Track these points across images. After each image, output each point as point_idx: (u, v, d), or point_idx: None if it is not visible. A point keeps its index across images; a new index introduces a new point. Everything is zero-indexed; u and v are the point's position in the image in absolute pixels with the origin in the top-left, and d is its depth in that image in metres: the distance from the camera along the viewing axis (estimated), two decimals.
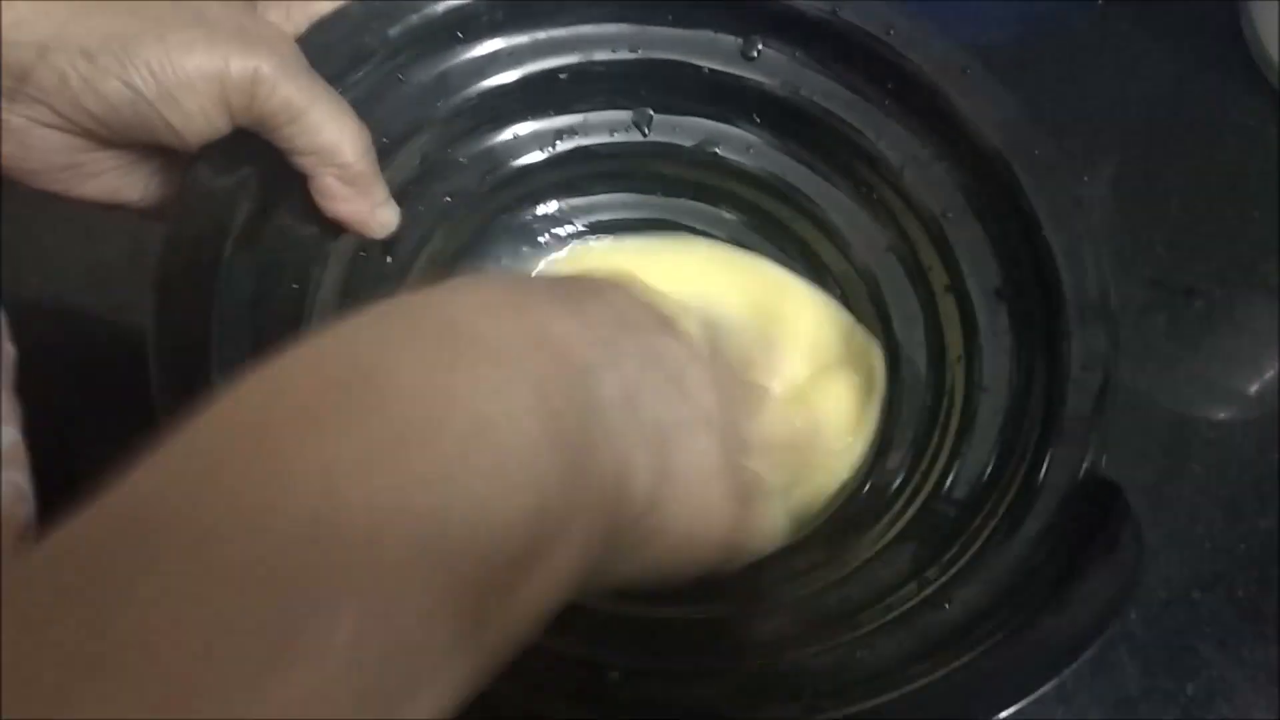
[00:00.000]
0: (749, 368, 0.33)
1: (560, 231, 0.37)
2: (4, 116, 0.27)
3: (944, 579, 0.26)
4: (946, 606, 0.25)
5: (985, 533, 0.27)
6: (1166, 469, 0.36)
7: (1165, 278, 0.41)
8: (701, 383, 0.25)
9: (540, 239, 0.37)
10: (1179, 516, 0.35)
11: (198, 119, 0.28)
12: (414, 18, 0.32)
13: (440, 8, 0.33)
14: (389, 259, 0.33)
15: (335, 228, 0.31)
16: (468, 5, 0.33)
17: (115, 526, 0.16)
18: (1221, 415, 0.38)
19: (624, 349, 0.23)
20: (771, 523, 0.29)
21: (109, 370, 0.33)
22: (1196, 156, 0.45)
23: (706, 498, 0.24)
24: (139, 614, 0.14)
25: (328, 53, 0.31)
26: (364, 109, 0.32)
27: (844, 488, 0.33)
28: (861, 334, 0.36)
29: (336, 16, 0.32)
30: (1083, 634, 0.23)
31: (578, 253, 0.37)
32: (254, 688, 0.14)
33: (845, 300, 0.36)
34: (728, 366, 0.27)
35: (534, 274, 0.36)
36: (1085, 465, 0.26)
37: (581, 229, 0.38)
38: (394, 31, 0.32)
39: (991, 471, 0.29)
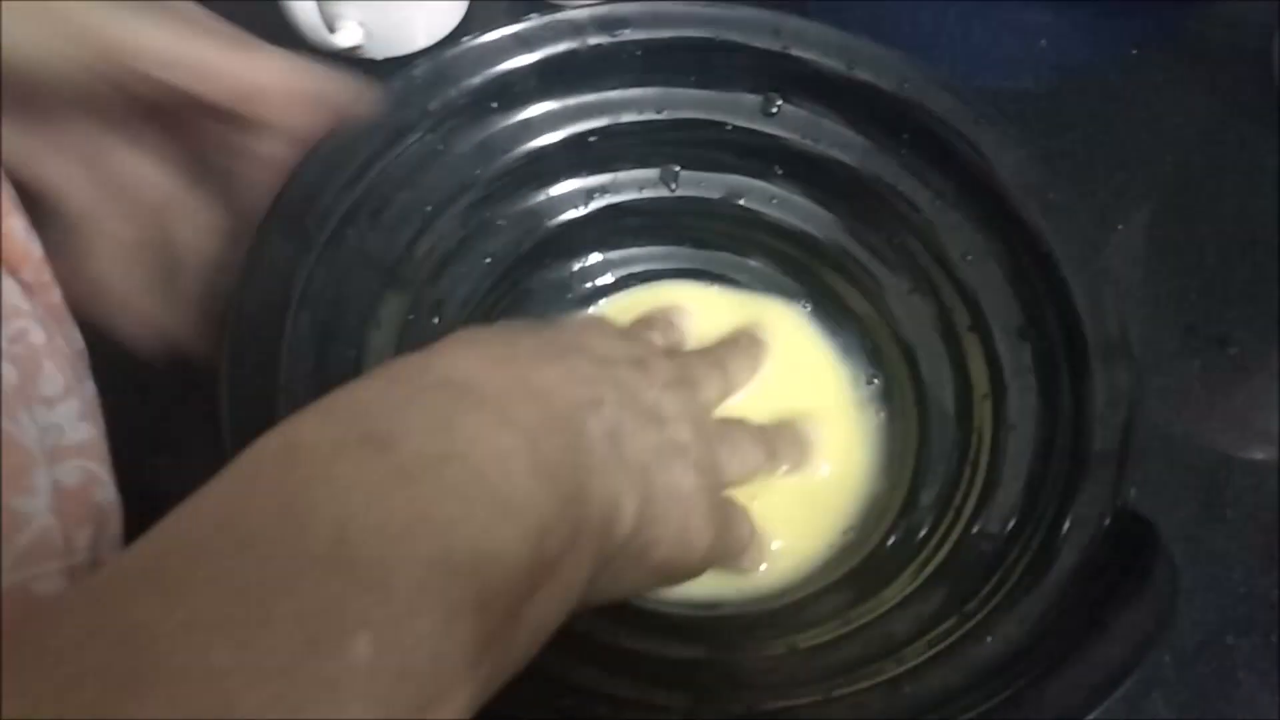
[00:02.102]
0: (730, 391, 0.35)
1: (595, 284, 0.39)
2: None
3: (984, 613, 0.27)
4: (988, 640, 0.26)
5: (1021, 567, 0.28)
6: (1201, 514, 0.37)
7: (1199, 324, 0.42)
8: (674, 412, 0.28)
9: (578, 292, 0.38)
10: (1213, 561, 0.36)
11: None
12: (452, 91, 0.34)
13: (476, 80, 0.34)
14: (436, 320, 0.34)
15: (382, 288, 0.33)
16: (502, 76, 0.35)
17: (147, 569, 0.17)
18: (1257, 459, 0.39)
19: (603, 391, 0.25)
20: (747, 535, 0.32)
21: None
22: (1230, 204, 0.46)
23: (686, 517, 0.27)
24: (170, 640, 0.16)
25: (372, 127, 0.33)
26: (410, 179, 0.34)
27: (878, 527, 0.34)
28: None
29: (378, 92, 0.33)
30: (1121, 665, 0.24)
31: (611, 303, 0.39)
32: (273, 709, 0.15)
33: (873, 343, 0.37)
34: (696, 395, 0.30)
35: None
36: (1117, 500, 0.27)
37: (615, 280, 0.39)
38: (433, 105, 0.34)
39: (1023, 507, 0.30)
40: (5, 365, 0.23)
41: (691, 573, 0.29)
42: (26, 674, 0.15)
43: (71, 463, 0.24)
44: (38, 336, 0.24)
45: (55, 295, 0.27)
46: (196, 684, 0.15)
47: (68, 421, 0.24)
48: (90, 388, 0.27)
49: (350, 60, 0.46)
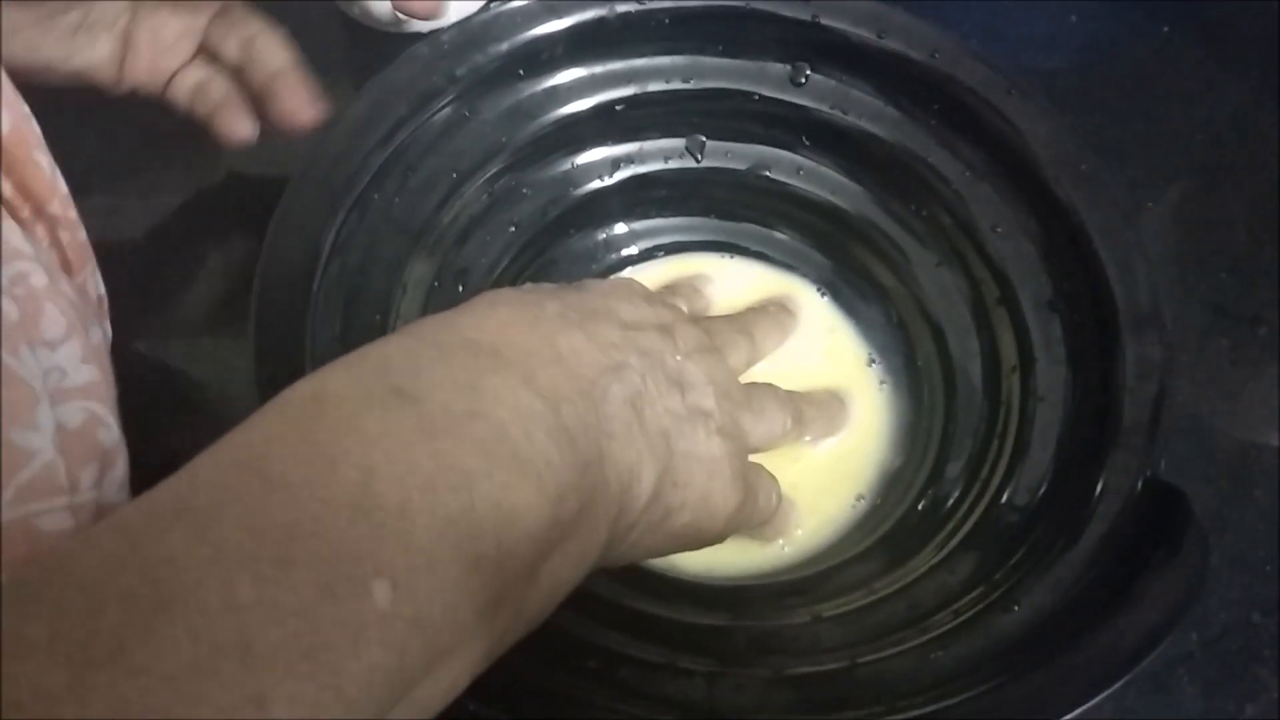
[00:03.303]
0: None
1: (620, 254, 0.39)
2: None
3: (1011, 583, 0.27)
4: (1016, 609, 0.26)
5: (1049, 538, 0.28)
6: (1228, 494, 0.37)
7: (1229, 304, 0.41)
8: (698, 378, 0.28)
9: (602, 262, 0.38)
10: (1240, 540, 0.36)
11: None
12: (479, 57, 0.34)
13: (504, 47, 0.34)
14: (461, 288, 0.34)
15: (408, 253, 0.33)
16: (529, 43, 0.35)
17: (176, 504, 0.17)
18: None
19: (627, 356, 0.25)
20: (774, 502, 0.32)
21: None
22: (1260, 184, 0.45)
23: (709, 483, 0.27)
24: (194, 573, 0.16)
25: (400, 92, 0.33)
26: (437, 145, 0.33)
27: (904, 498, 0.34)
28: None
29: (407, 59, 0.33)
30: (1151, 634, 0.24)
31: (635, 274, 0.39)
32: (290, 648, 0.16)
33: (898, 316, 0.37)
34: (721, 360, 0.30)
35: None
36: (1147, 470, 0.27)
37: (640, 251, 0.39)
38: (460, 71, 0.34)
39: (1052, 479, 0.30)
40: (5, 302, 0.23)
41: (715, 538, 0.28)
42: (53, 595, 0.15)
43: (74, 404, 0.24)
44: (39, 279, 0.24)
45: (80, 234, 0.27)
46: (217, 616, 0.15)
47: (70, 364, 0.24)
48: (100, 333, 0.27)
49: (390, 34, 0.46)
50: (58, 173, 0.26)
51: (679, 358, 0.28)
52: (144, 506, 0.17)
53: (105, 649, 0.15)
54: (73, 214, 0.27)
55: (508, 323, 0.23)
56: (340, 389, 0.20)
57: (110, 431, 0.25)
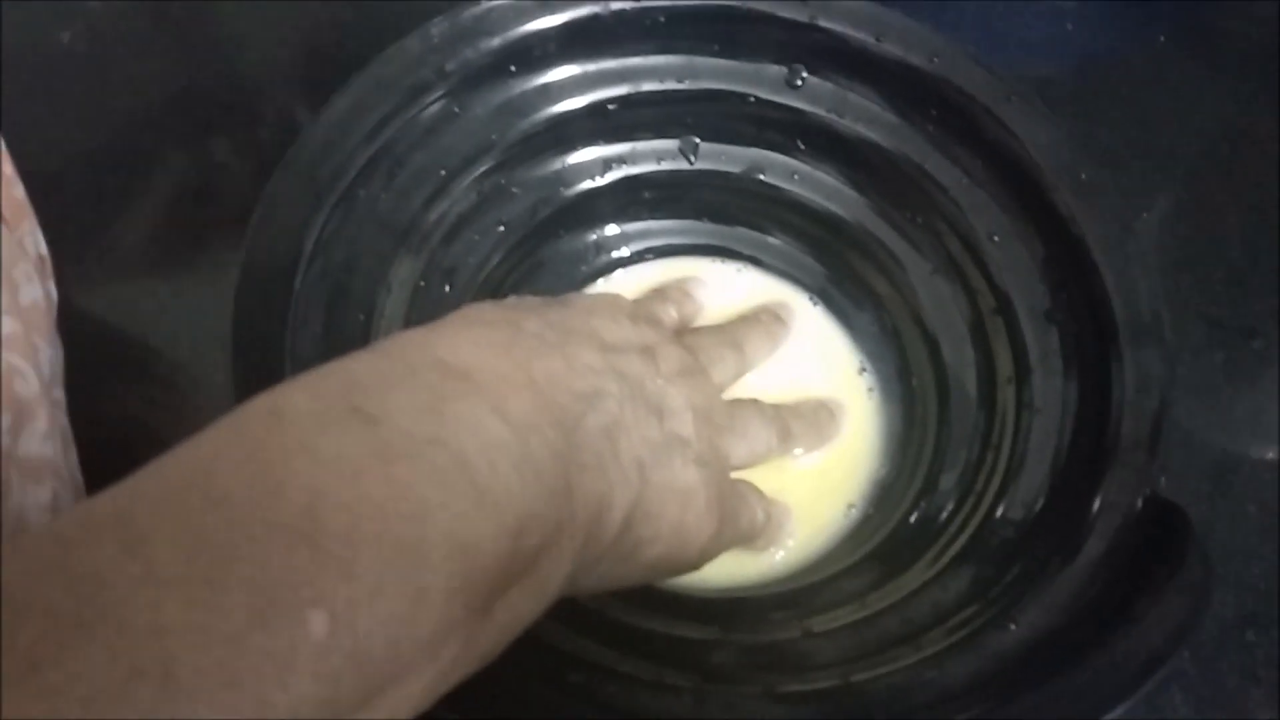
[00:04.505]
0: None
1: (610, 257, 0.38)
2: None
3: (1007, 600, 0.27)
4: (1012, 627, 0.26)
5: (1046, 554, 0.27)
6: (1222, 508, 0.36)
7: (1224, 316, 0.41)
8: (678, 403, 0.27)
9: (592, 264, 0.38)
10: (1234, 556, 0.35)
11: None
12: (470, 52, 0.33)
13: (495, 42, 0.33)
14: (448, 288, 0.34)
15: (393, 251, 0.32)
16: (521, 39, 0.34)
17: (112, 517, 0.17)
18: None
19: (606, 382, 0.25)
20: (758, 520, 0.31)
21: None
22: (1256, 196, 0.45)
23: (683, 514, 0.26)
24: (120, 591, 0.15)
25: (387, 86, 0.32)
26: (425, 141, 0.33)
27: (896, 509, 0.33)
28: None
29: (395, 52, 0.32)
30: (1152, 656, 0.23)
31: (626, 277, 0.38)
32: (213, 675, 0.15)
33: (892, 324, 0.37)
34: (705, 381, 0.30)
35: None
36: (1147, 487, 0.27)
37: (630, 254, 0.38)
38: (450, 65, 0.33)
39: (1048, 494, 0.29)
40: None
41: (689, 567, 0.28)
42: None
43: None
44: None
45: (17, 190, 0.27)
46: (139, 638, 0.15)
47: None
48: (38, 290, 0.27)
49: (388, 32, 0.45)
50: None
51: (660, 381, 0.27)
52: (81, 516, 0.17)
53: (19, 666, 0.14)
54: (8, 169, 0.26)
55: (483, 344, 0.23)
56: (299, 405, 0.19)
57: (28, 383, 0.24)
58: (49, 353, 0.27)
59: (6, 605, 0.15)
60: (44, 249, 0.28)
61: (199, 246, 0.39)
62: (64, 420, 0.28)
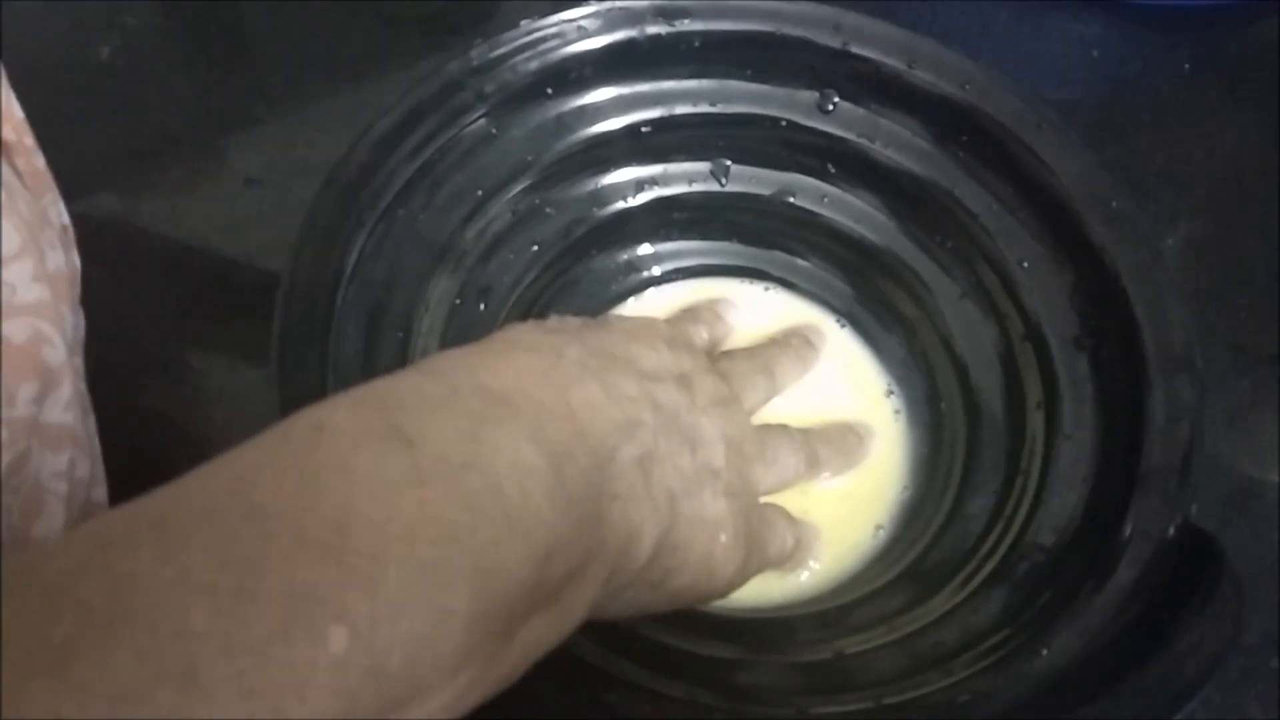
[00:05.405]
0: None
1: (641, 276, 0.38)
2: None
3: (1038, 625, 0.27)
4: (1044, 653, 0.26)
5: (1077, 580, 0.27)
6: (1249, 536, 0.36)
7: (1250, 343, 0.41)
8: (711, 434, 0.28)
9: (624, 284, 0.38)
10: (1260, 583, 0.35)
11: None
12: (508, 75, 0.34)
13: (533, 65, 0.34)
14: (483, 306, 0.34)
15: (432, 269, 0.32)
16: (558, 62, 0.34)
17: (153, 520, 0.17)
18: None
19: (642, 413, 0.25)
20: (788, 545, 0.31)
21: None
22: None
23: (710, 545, 0.27)
24: (153, 595, 0.16)
25: (428, 108, 0.32)
26: (463, 162, 0.33)
27: (924, 532, 0.33)
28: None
29: (436, 74, 0.33)
30: (1186, 684, 0.23)
31: (657, 296, 0.39)
32: (233, 684, 0.15)
33: (920, 348, 0.37)
34: (738, 410, 0.30)
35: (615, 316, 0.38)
36: (1178, 514, 0.27)
37: (662, 274, 0.39)
38: (489, 88, 0.33)
39: (1080, 520, 0.29)
40: None
41: (716, 596, 0.28)
42: (17, 595, 0.15)
43: (21, 320, 0.24)
44: None
45: (38, 161, 0.27)
46: (166, 641, 0.15)
47: (20, 281, 0.24)
48: (62, 258, 0.27)
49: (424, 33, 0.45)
50: (14, 100, 0.26)
51: (695, 414, 0.27)
52: (125, 516, 0.17)
53: (52, 659, 0.15)
54: (29, 140, 0.27)
55: (524, 370, 0.23)
56: (341, 422, 0.20)
57: (56, 351, 0.24)
58: (72, 320, 0.27)
59: (47, 599, 0.15)
60: (66, 219, 0.29)
61: (237, 262, 0.40)
62: (83, 386, 0.28)
